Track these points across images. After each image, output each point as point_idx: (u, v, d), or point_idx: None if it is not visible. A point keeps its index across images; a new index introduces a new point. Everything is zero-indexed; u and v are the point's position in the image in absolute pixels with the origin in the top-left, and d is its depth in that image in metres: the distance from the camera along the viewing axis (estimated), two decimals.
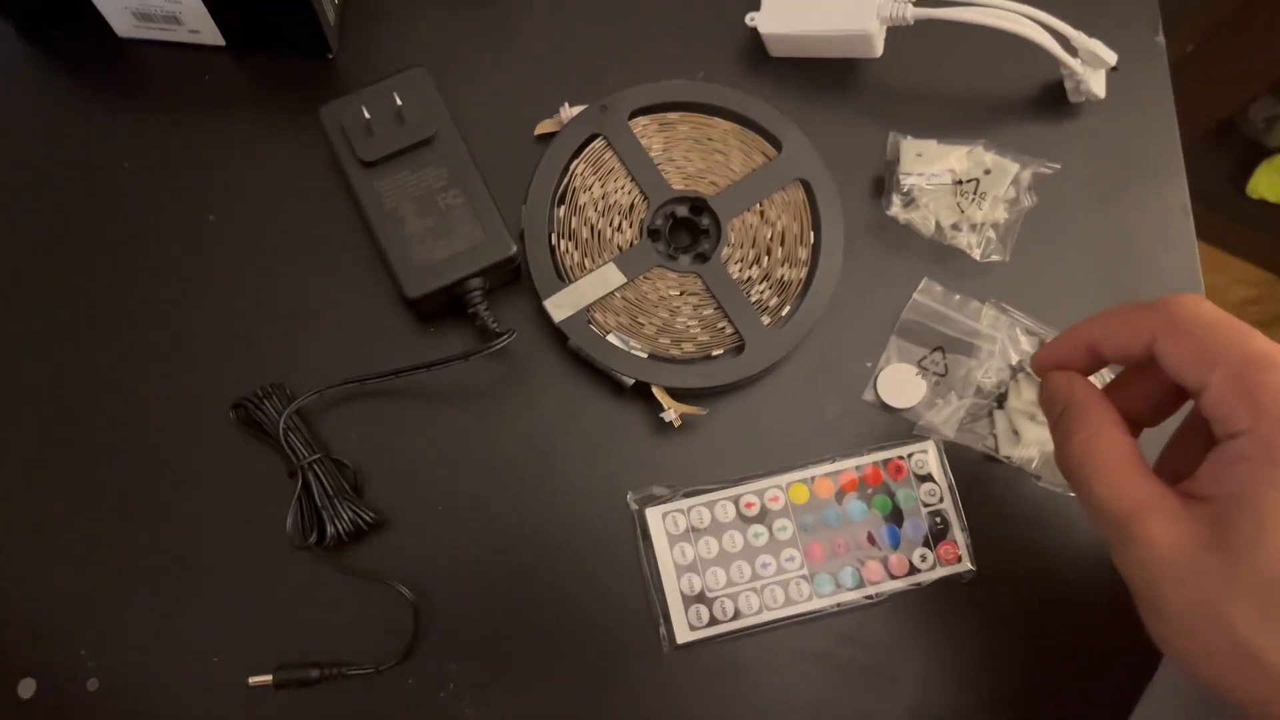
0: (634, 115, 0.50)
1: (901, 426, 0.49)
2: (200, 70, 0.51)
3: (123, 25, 0.50)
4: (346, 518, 0.45)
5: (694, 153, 0.49)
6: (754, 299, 0.48)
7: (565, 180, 0.49)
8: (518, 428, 0.48)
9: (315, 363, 0.48)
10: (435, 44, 0.53)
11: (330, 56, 0.52)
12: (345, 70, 0.52)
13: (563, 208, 0.48)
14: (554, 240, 0.48)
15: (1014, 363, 0.49)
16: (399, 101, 0.46)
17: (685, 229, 0.49)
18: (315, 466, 0.46)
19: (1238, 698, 0.32)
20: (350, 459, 0.47)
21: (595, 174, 0.49)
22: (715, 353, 0.47)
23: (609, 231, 0.48)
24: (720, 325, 0.48)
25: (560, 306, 0.47)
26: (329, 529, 0.45)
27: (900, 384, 0.49)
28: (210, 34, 0.50)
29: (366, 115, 0.45)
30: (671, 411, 0.46)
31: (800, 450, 0.48)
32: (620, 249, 0.48)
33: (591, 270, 0.48)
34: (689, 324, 0.48)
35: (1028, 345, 0.49)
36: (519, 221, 0.48)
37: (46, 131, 0.51)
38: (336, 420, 0.48)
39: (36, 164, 0.50)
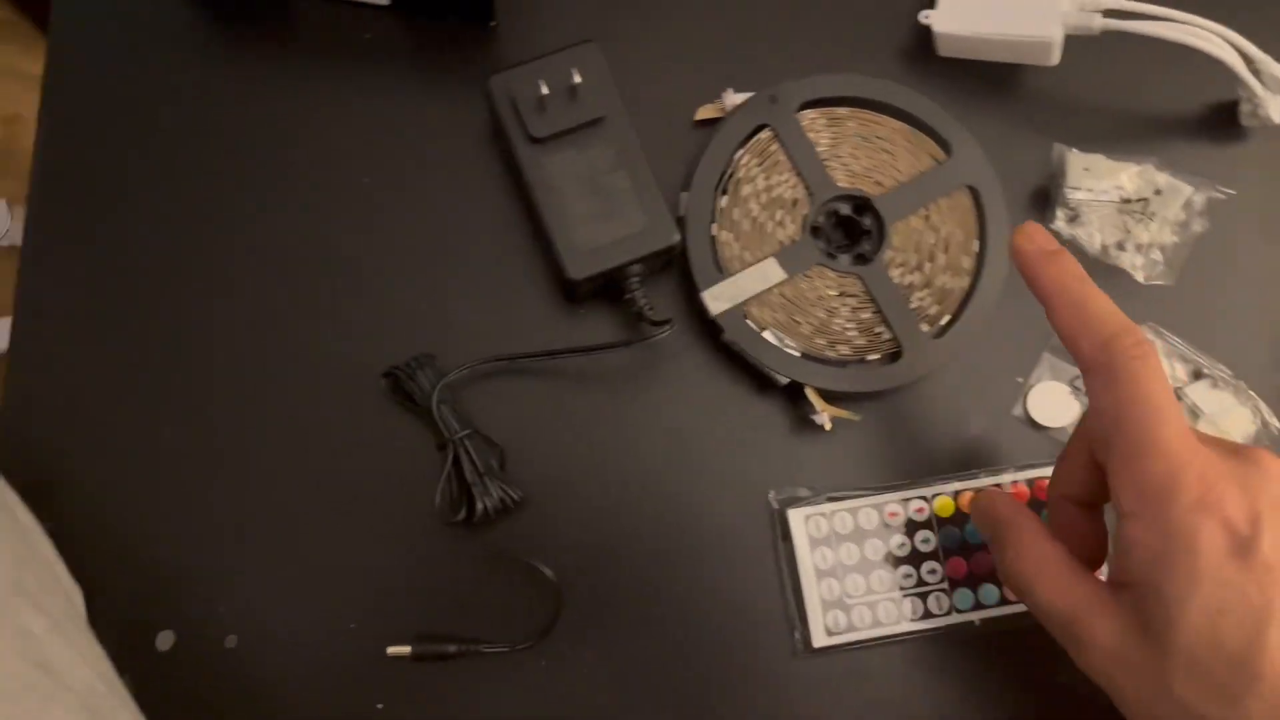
0: (802, 108, 0.48)
1: (1051, 446, 0.48)
2: (361, 29, 0.51)
3: None
4: (495, 495, 0.45)
5: (861, 150, 0.48)
6: (914, 305, 0.47)
7: (729, 170, 0.48)
8: (661, 418, 0.48)
9: (462, 337, 0.48)
10: (595, 18, 0.52)
11: (492, 24, 0.51)
12: (505, 39, 0.51)
13: (725, 198, 0.48)
14: (715, 231, 0.47)
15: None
16: (577, 78, 0.45)
17: (847, 228, 0.48)
18: (466, 442, 0.45)
19: None
20: (493, 437, 0.47)
21: (760, 166, 0.48)
22: (870, 357, 0.47)
23: (770, 225, 0.47)
24: (878, 330, 0.47)
25: (718, 299, 0.46)
26: (478, 505, 0.45)
27: (1051, 402, 0.48)
28: None
29: (544, 90, 0.44)
30: (824, 414, 0.46)
31: (946, 463, 0.48)
32: (781, 244, 0.47)
33: (751, 264, 0.47)
34: (846, 326, 0.47)
35: (1183, 373, 0.48)
36: (676, 208, 0.48)
37: (207, 86, 0.50)
38: (480, 396, 0.48)
39: (197, 119, 0.50)
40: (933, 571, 0.46)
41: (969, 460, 0.48)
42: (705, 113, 0.50)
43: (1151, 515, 0.33)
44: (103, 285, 0.49)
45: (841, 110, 0.49)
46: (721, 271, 0.47)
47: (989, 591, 0.46)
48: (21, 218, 0.49)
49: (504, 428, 0.47)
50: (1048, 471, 0.47)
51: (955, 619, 0.46)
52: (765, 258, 0.47)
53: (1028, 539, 0.39)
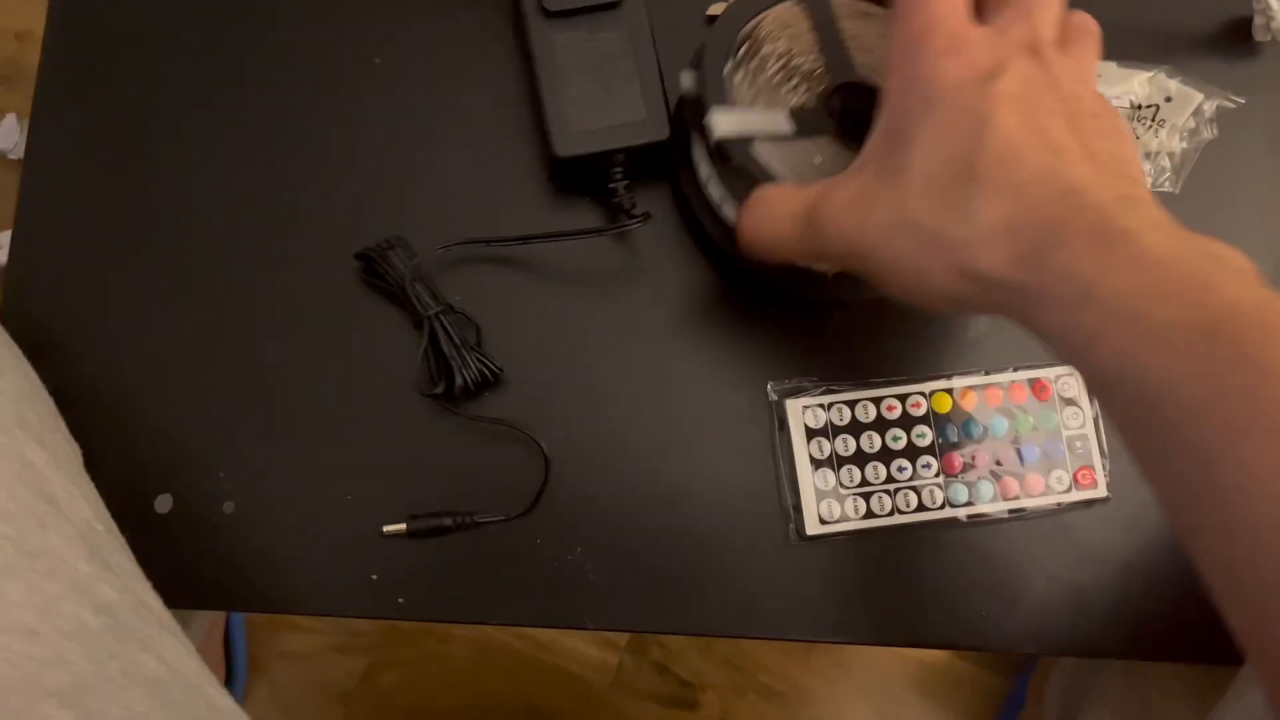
0: None
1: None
2: None
3: None
4: (474, 368, 0.45)
5: (883, 46, 0.47)
6: None
7: (755, 24, 0.46)
8: (650, 313, 0.48)
9: (441, 219, 0.48)
10: None
11: None
12: None
13: (746, 46, 0.45)
14: (728, 70, 0.45)
15: None
16: None
17: (862, 122, 0.47)
18: (441, 317, 0.45)
19: (946, 289, 0.34)
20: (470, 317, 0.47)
21: (785, 31, 0.46)
22: None
23: (785, 90, 0.45)
24: None
25: (726, 119, 0.43)
26: (457, 378, 0.45)
27: None
28: None
29: None
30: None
31: (946, 360, 0.48)
32: (792, 111, 0.45)
33: (763, 110, 0.44)
34: None
35: None
36: (677, 87, 0.47)
37: None
38: (457, 280, 0.48)
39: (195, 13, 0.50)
40: (927, 466, 0.46)
41: (969, 359, 0.48)
42: (717, 9, 0.50)
43: (903, 64, 0.36)
44: (102, 172, 0.49)
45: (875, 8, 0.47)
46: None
47: (984, 488, 0.46)
48: None
49: (482, 314, 0.47)
50: (1048, 372, 0.47)
51: (948, 513, 0.46)
52: (779, 112, 0.44)
53: (756, 196, 0.40)
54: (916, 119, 0.35)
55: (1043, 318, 0.33)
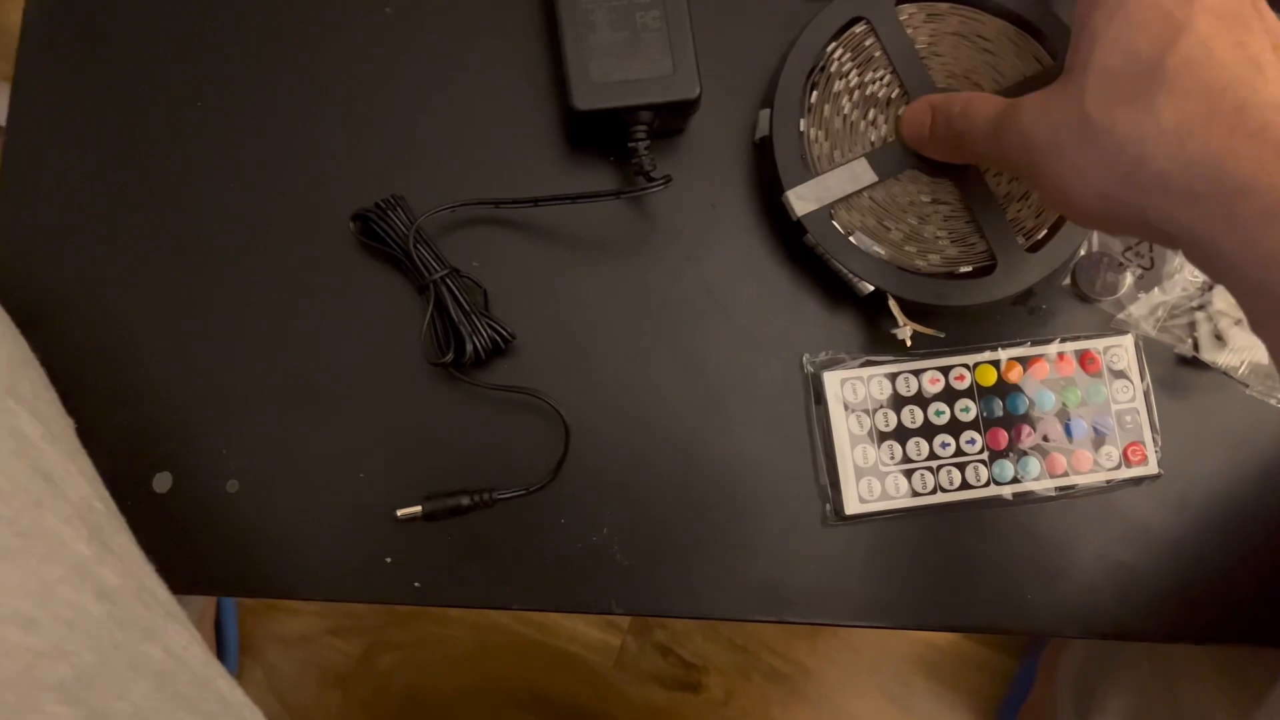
0: (900, 1, 0.45)
1: (1098, 318, 0.46)
2: None
3: None
4: (485, 334, 0.43)
5: (961, 50, 0.44)
6: (1011, 216, 0.43)
7: (820, 64, 0.44)
8: (673, 280, 0.45)
9: (448, 177, 0.45)
10: None
11: None
12: None
13: (815, 93, 0.44)
14: (804, 127, 0.44)
15: None
16: None
17: None
18: (448, 281, 0.43)
19: (1105, 192, 0.33)
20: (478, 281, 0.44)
21: (854, 61, 0.44)
22: (962, 269, 0.43)
23: (863, 125, 0.44)
24: (971, 240, 0.43)
25: (804, 199, 0.43)
26: (468, 345, 0.42)
27: (1101, 272, 0.46)
28: None
29: None
30: (907, 328, 0.43)
31: (990, 331, 0.45)
32: (873, 144, 0.44)
33: (841, 164, 0.43)
34: (938, 234, 0.43)
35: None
36: (754, 128, 0.45)
37: None
38: (462, 243, 0.45)
39: None
40: (971, 442, 0.44)
41: (1015, 329, 0.46)
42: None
43: None
44: (90, 134, 0.45)
45: (942, 5, 0.45)
46: (809, 170, 0.43)
47: (1030, 465, 0.44)
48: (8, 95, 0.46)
49: (497, 278, 0.45)
50: (1095, 344, 0.45)
51: (993, 490, 0.44)
52: (856, 158, 0.43)
53: (958, 98, 0.40)
54: (1106, 17, 0.33)
55: (1213, 234, 0.30)
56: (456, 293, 0.43)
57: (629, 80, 0.43)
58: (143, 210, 0.45)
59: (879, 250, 0.43)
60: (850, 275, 0.43)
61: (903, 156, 0.43)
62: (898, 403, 0.44)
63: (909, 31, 0.44)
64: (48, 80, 0.46)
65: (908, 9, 0.45)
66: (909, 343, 0.43)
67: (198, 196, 0.45)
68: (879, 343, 0.45)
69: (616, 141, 0.44)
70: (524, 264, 0.45)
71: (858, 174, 0.43)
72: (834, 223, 0.43)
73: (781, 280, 0.46)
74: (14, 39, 0.47)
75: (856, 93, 0.44)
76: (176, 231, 0.45)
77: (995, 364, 0.45)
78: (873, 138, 0.44)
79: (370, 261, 0.44)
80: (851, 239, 0.43)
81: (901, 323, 0.43)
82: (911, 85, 0.43)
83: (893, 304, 0.43)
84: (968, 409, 0.44)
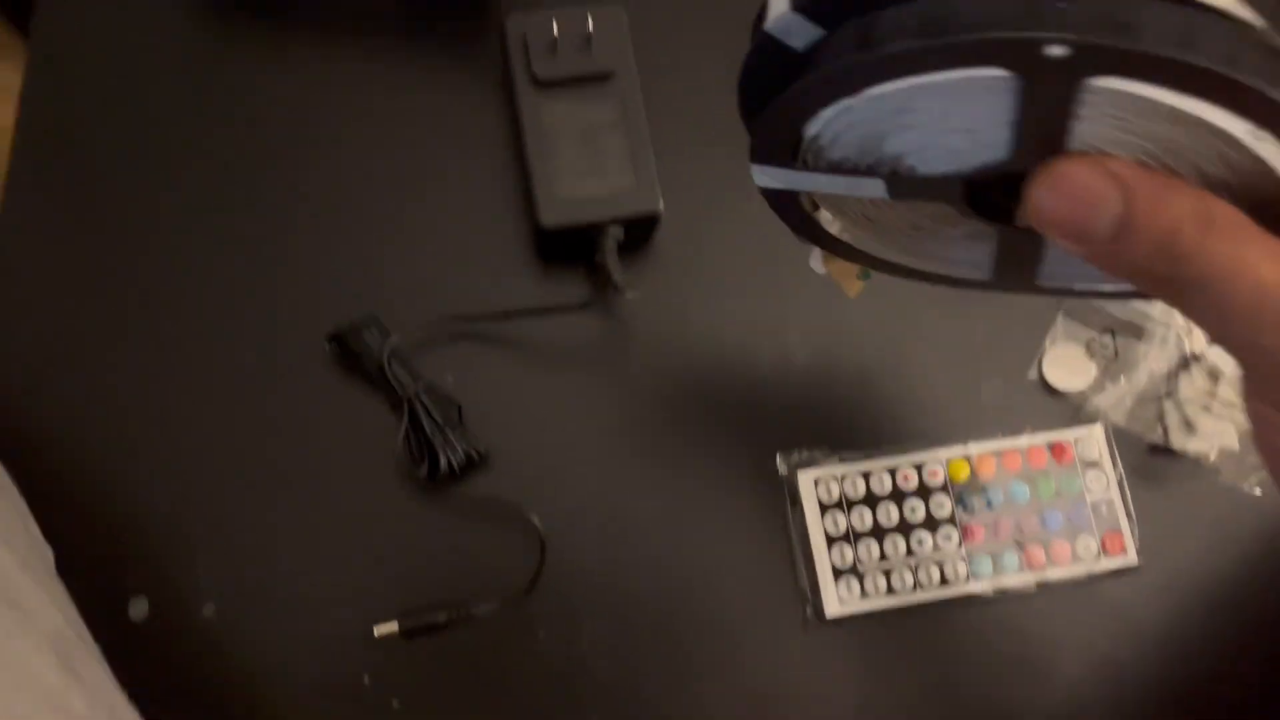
0: None
1: (1067, 410, 0.46)
2: None
3: None
4: (459, 449, 0.43)
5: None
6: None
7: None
8: (644, 386, 0.46)
9: (425, 292, 0.46)
10: None
11: None
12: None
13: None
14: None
15: (1187, 351, 0.46)
16: (590, 27, 0.44)
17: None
18: (422, 395, 0.43)
19: None
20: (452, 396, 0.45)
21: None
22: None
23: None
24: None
25: (773, 178, 0.31)
26: (442, 459, 0.43)
27: (1067, 365, 0.47)
28: None
29: (555, 32, 0.44)
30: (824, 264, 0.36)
31: (961, 426, 0.46)
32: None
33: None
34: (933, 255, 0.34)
35: (1201, 333, 0.47)
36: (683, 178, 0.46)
37: (200, 43, 0.49)
38: (438, 358, 0.46)
39: (186, 72, 0.49)
40: (948, 538, 0.44)
41: (985, 424, 0.46)
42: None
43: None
44: (71, 260, 0.46)
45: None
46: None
47: (1009, 559, 0.44)
48: None
49: (473, 390, 0.45)
50: (1066, 435, 0.46)
51: (973, 587, 0.44)
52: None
53: (1240, 228, 0.23)
54: None
55: None
56: (430, 408, 0.44)
57: (593, 197, 0.44)
58: (122, 337, 0.46)
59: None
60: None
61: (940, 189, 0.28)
62: (873, 500, 0.44)
63: None
64: (33, 207, 0.47)
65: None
66: (824, 270, 0.36)
67: (176, 323, 0.46)
68: (855, 434, 0.46)
69: (586, 254, 0.45)
70: (498, 376, 0.46)
71: (862, 185, 0.29)
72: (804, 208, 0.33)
73: (752, 380, 0.46)
74: (3, 165, 0.49)
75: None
76: (155, 356, 0.45)
77: (968, 458, 0.45)
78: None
79: (347, 379, 0.45)
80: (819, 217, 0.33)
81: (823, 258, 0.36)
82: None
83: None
84: (943, 504, 0.44)
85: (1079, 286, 0.32)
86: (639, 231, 0.46)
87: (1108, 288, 0.32)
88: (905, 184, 0.28)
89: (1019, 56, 0.22)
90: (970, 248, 0.32)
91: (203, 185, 0.47)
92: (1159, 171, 0.23)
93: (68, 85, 0.49)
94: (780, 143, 0.29)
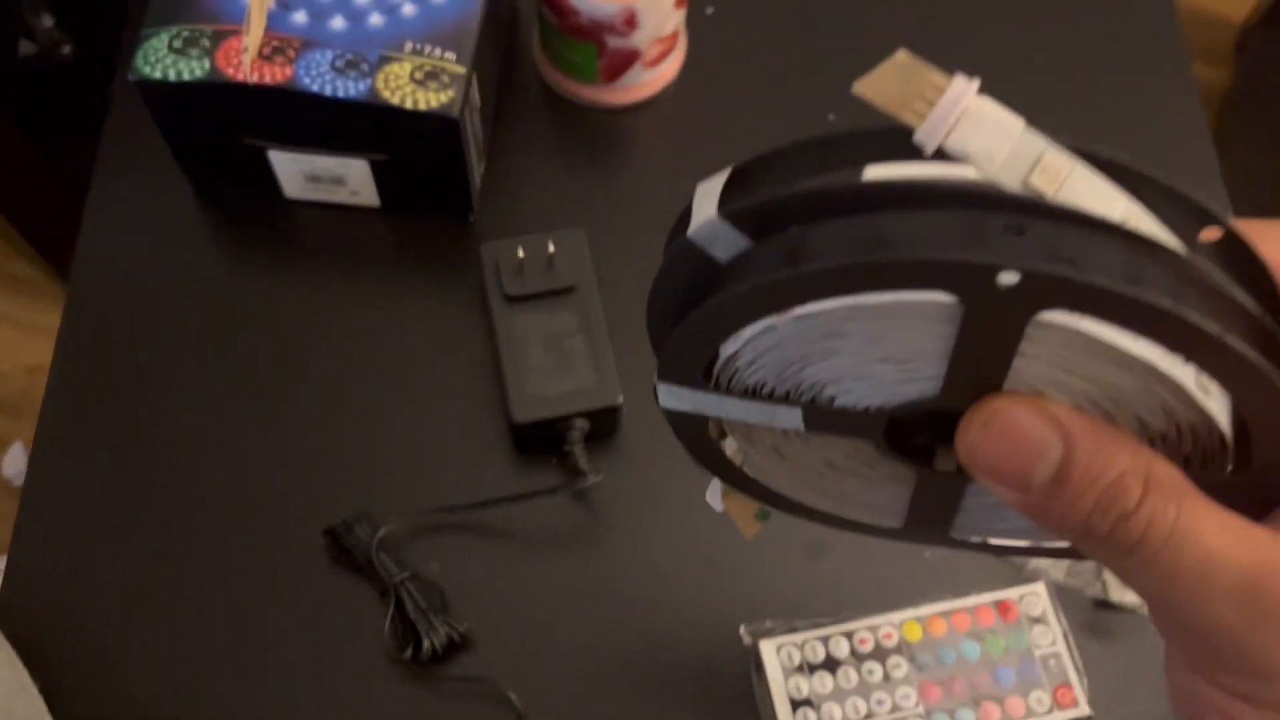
0: None
1: (1009, 570, 0.50)
2: (353, 227, 0.57)
3: (293, 188, 0.56)
4: (442, 632, 0.47)
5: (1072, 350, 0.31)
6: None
7: None
8: (615, 566, 0.50)
9: (414, 487, 0.51)
10: (558, 210, 0.58)
11: (470, 219, 0.57)
12: (480, 229, 0.57)
13: None
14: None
15: None
16: (551, 249, 0.51)
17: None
18: (408, 584, 0.48)
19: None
20: (459, 580, 0.49)
21: None
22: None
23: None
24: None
25: (679, 399, 0.28)
26: (425, 642, 0.46)
27: None
28: (369, 196, 0.56)
29: (520, 255, 0.50)
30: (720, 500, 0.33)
31: (909, 590, 0.49)
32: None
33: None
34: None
35: None
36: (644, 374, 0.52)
37: (214, 276, 0.56)
38: (426, 546, 0.50)
39: (203, 303, 0.55)
40: (906, 697, 0.47)
41: (934, 584, 0.49)
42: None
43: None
44: (96, 491, 0.52)
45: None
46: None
47: (965, 715, 0.46)
48: None
49: (458, 575, 0.49)
50: (1010, 593, 0.49)
51: None
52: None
53: (1183, 492, 0.22)
54: None
55: None
56: (415, 594, 0.48)
57: (561, 394, 0.50)
58: (139, 552, 0.50)
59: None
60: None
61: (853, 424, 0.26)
62: (832, 664, 0.47)
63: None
64: (61, 445, 0.53)
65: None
66: (721, 507, 0.33)
67: (187, 540, 0.51)
68: (813, 601, 0.49)
69: (556, 444, 0.50)
70: (479, 560, 0.50)
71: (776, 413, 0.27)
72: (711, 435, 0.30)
73: (715, 551, 0.50)
74: (34, 404, 0.54)
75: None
76: (167, 567, 0.50)
77: (919, 619, 0.48)
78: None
79: (339, 569, 0.49)
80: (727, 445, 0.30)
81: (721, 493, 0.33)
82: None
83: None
84: (899, 665, 0.47)
85: (995, 542, 0.30)
86: (603, 422, 0.51)
87: (1023, 544, 0.29)
88: (824, 416, 0.26)
89: (968, 282, 0.20)
90: (884, 492, 0.29)
91: (216, 404, 0.53)
92: (1100, 420, 0.22)
93: (100, 324, 0.55)
94: (694, 361, 0.26)
